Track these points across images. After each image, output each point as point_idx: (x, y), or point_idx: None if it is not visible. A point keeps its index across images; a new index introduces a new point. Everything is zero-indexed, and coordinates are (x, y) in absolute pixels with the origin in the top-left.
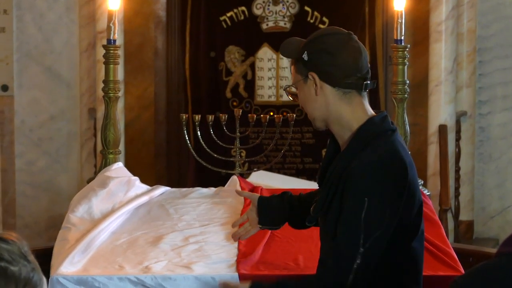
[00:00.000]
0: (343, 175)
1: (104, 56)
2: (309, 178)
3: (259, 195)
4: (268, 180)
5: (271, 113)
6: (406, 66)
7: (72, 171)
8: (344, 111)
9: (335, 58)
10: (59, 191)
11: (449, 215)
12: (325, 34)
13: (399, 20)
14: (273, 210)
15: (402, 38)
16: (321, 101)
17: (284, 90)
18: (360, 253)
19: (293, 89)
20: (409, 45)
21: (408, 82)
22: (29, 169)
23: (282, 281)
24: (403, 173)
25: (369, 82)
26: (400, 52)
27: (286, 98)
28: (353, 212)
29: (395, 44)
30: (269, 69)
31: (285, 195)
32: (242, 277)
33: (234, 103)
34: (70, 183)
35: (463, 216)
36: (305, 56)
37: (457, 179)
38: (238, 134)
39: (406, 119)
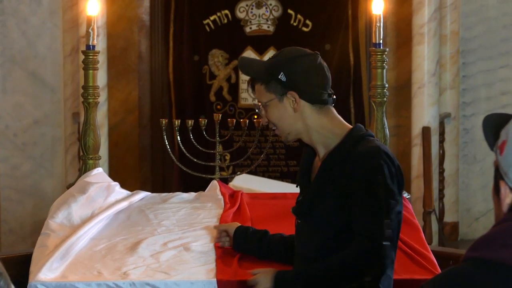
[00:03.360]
0: (335, 169)
1: (83, 61)
2: (293, 181)
3: (235, 227)
4: (252, 184)
5: (255, 116)
6: (385, 70)
7: (56, 175)
8: (324, 122)
9: (312, 78)
10: (44, 195)
11: (433, 217)
12: (297, 55)
13: (378, 24)
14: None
15: (381, 41)
16: (298, 117)
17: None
18: (386, 223)
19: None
20: (387, 49)
21: (387, 85)
22: (13, 174)
23: (308, 271)
24: (395, 161)
25: (334, 96)
26: (378, 56)
27: None
28: (370, 189)
29: (373, 48)
30: None
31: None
32: (220, 283)
33: (218, 107)
34: (55, 188)
35: (448, 218)
36: (282, 77)
37: (442, 181)
38: (217, 139)
39: (386, 122)
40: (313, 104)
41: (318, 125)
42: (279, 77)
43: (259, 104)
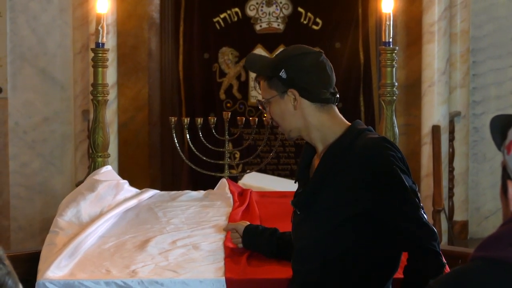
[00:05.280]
0: (337, 162)
1: (93, 59)
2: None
3: (245, 225)
4: (261, 182)
5: (265, 115)
6: (394, 69)
7: (66, 173)
8: (325, 120)
9: (313, 76)
10: (53, 193)
11: (443, 216)
12: (299, 53)
13: (387, 23)
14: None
15: (391, 40)
16: (299, 115)
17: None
18: (422, 209)
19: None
20: (397, 47)
21: (396, 84)
22: (23, 171)
23: None
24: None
25: (338, 95)
26: (388, 55)
27: None
28: (395, 186)
29: (383, 46)
30: None
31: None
32: (229, 282)
33: (228, 105)
34: (64, 185)
35: (457, 217)
36: (282, 74)
37: (451, 179)
38: (227, 137)
39: (395, 121)
40: (313, 103)
41: (318, 123)
42: (280, 74)
43: (262, 100)
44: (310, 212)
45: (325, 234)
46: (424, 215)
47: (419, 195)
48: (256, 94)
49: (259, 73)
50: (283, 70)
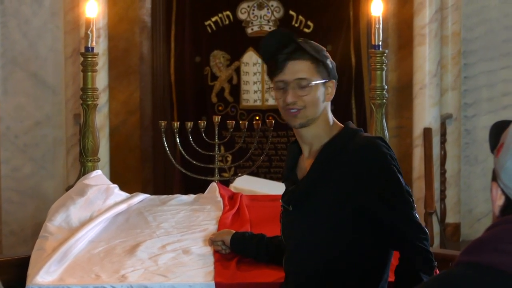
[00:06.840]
0: (332, 161)
1: (82, 63)
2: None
3: (231, 235)
4: (253, 185)
5: (257, 117)
6: (384, 72)
7: (58, 177)
8: (331, 119)
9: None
10: (45, 197)
11: (435, 219)
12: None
13: (377, 26)
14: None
15: (380, 43)
16: (323, 107)
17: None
18: (415, 209)
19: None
20: (387, 51)
21: (386, 87)
22: (14, 176)
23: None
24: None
25: None
26: (378, 58)
27: (272, 102)
28: (392, 184)
29: (372, 50)
30: (254, 74)
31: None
32: (218, 286)
33: (220, 108)
34: (56, 190)
35: (449, 219)
36: (329, 63)
37: (443, 182)
38: (217, 140)
39: (385, 124)
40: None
41: (328, 120)
42: (328, 62)
43: (310, 81)
44: (303, 211)
45: (323, 233)
46: (417, 216)
47: (412, 196)
48: (248, 97)
49: (312, 53)
50: (328, 59)
